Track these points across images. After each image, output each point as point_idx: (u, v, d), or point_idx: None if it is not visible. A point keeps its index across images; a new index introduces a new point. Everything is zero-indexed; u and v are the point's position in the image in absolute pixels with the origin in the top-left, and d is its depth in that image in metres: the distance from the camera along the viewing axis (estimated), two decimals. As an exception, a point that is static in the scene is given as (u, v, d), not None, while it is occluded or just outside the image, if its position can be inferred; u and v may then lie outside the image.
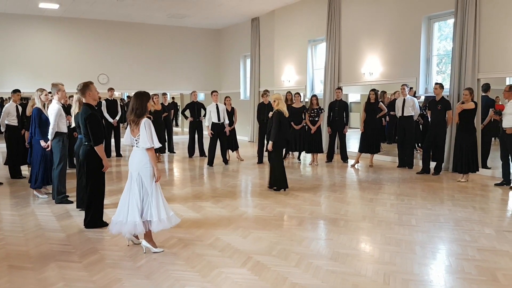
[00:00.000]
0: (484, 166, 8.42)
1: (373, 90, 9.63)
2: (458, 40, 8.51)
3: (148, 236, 4.34)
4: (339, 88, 10.47)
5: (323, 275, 3.73)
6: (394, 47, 10.18)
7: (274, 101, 7.09)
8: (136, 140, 4.28)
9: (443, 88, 8.28)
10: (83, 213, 5.32)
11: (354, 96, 12.86)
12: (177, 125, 18.82)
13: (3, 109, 8.31)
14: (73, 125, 6.55)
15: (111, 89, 11.76)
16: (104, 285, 3.57)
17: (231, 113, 10.18)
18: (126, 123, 4.57)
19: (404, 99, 9.02)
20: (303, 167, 9.79)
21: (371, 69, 10.70)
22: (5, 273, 3.80)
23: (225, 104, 10.12)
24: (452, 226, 5.15)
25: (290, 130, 9.51)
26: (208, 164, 9.79)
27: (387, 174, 8.63)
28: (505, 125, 7.19)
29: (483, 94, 8.49)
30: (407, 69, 9.87)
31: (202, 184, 7.94)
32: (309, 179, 8.27)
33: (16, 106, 8.24)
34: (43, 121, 6.43)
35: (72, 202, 6.26)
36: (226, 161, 10.03)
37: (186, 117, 11.33)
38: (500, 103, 8.23)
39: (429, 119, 8.83)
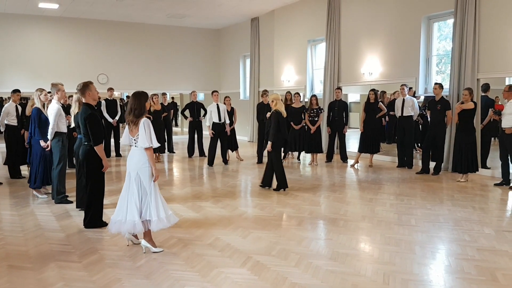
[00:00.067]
0: (484, 166, 8.42)
1: (373, 90, 9.63)
2: (458, 40, 8.52)
3: (148, 235, 4.34)
4: (339, 88, 10.47)
5: (322, 275, 3.73)
6: (394, 47, 10.18)
7: (272, 101, 7.10)
8: (134, 140, 4.28)
9: (442, 88, 8.28)
10: (82, 213, 5.33)
11: (353, 96, 12.86)
12: (176, 125, 18.82)
13: (3, 109, 8.30)
14: (72, 125, 6.55)
15: (110, 89, 11.77)
16: (104, 285, 3.57)
17: (230, 113, 10.18)
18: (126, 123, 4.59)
19: (404, 99, 9.02)
20: (302, 167, 9.79)
21: (371, 69, 10.70)
22: (4, 273, 3.80)
23: (224, 104, 10.13)
24: (451, 226, 5.15)
25: (290, 130, 9.58)
26: (208, 164, 9.79)
27: (387, 174, 8.64)
28: (504, 125, 7.20)
29: (483, 94, 8.49)
30: (407, 69, 9.88)
31: (202, 184, 7.94)
32: (308, 179, 8.27)
33: (16, 106, 8.24)
34: (43, 121, 6.42)
35: (71, 202, 6.26)
36: (226, 161, 10.03)
37: (185, 117, 11.33)
38: (499, 103, 8.24)
39: (429, 119, 8.84)
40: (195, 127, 11.23)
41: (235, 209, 6.01)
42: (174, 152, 12.25)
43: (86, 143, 5.04)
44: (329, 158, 10.37)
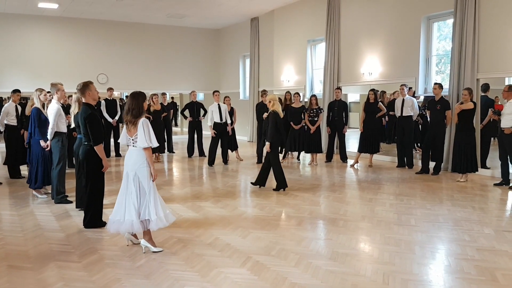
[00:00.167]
0: (483, 166, 8.42)
1: (372, 90, 9.63)
2: (458, 40, 8.52)
3: (148, 235, 4.34)
4: (339, 88, 10.47)
5: (322, 275, 3.73)
6: (394, 47, 10.18)
7: (270, 102, 7.11)
8: (133, 140, 4.28)
9: (442, 88, 8.28)
10: (82, 213, 5.32)
11: (353, 96, 12.86)
12: (176, 125, 18.82)
13: (3, 109, 8.29)
14: (72, 125, 6.55)
15: (110, 89, 11.77)
16: (104, 285, 3.57)
17: (230, 113, 10.19)
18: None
19: (403, 99, 9.02)
20: (302, 167, 9.79)
21: (371, 69, 10.70)
22: (4, 273, 3.80)
23: (224, 103, 10.12)
24: (451, 226, 5.15)
25: (290, 130, 9.58)
26: (208, 164, 9.79)
27: (386, 174, 8.64)
28: (503, 125, 7.20)
29: (483, 94, 8.50)
30: (406, 69, 9.88)
31: (202, 184, 7.94)
32: (308, 179, 8.27)
33: (16, 106, 8.24)
34: (42, 121, 6.42)
35: (71, 202, 6.26)
36: (226, 161, 10.03)
37: (185, 117, 11.33)
38: (499, 103, 8.24)
39: (428, 119, 8.84)
40: (195, 127, 11.23)
41: (235, 209, 6.01)
42: (173, 152, 12.25)
43: (86, 143, 5.03)
44: (329, 158, 10.37)
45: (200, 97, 16.89)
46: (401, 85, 9.13)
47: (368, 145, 9.56)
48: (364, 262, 4.03)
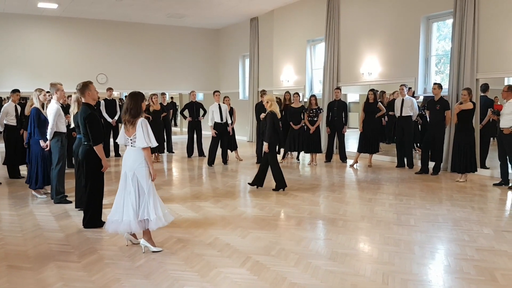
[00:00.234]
0: (483, 166, 8.43)
1: (372, 90, 9.64)
2: (457, 40, 8.52)
3: (147, 234, 4.34)
4: (338, 88, 10.47)
5: (322, 275, 3.73)
6: (393, 47, 10.19)
7: (267, 102, 7.11)
8: (131, 140, 4.28)
9: (441, 88, 8.29)
10: (81, 213, 5.32)
11: (353, 96, 12.87)
12: (176, 125, 18.81)
13: (2, 109, 8.29)
14: (72, 125, 6.55)
15: (110, 89, 11.76)
16: (103, 285, 3.57)
17: (230, 113, 10.19)
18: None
19: (403, 99, 9.03)
20: (302, 167, 9.79)
21: (370, 69, 10.71)
22: (4, 273, 3.80)
23: (224, 103, 10.12)
24: (450, 226, 5.15)
25: (289, 130, 9.58)
26: (208, 164, 9.79)
27: (386, 174, 8.64)
28: (502, 125, 7.20)
29: (482, 94, 8.50)
30: (406, 69, 9.89)
31: (201, 184, 7.94)
32: (308, 179, 8.27)
33: (15, 106, 8.23)
34: (42, 121, 6.42)
35: (70, 202, 6.25)
36: (225, 161, 10.03)
37: (185, 117, 11.33)
38: (499, 103, 8.24)
39: (428, 119, 8.85)
40: (194, 127, 11.23)
41: (235, 209, 6.01)
42: (173, 152, 12.25)
43: (85, 143, 5.03)
44: (328, 158, 10.37)
45: (199, 97, 16.90)
46: (401, 85, 9.14)
47: (367, 145, 9.56)
48: (364, 262, 4.03)
